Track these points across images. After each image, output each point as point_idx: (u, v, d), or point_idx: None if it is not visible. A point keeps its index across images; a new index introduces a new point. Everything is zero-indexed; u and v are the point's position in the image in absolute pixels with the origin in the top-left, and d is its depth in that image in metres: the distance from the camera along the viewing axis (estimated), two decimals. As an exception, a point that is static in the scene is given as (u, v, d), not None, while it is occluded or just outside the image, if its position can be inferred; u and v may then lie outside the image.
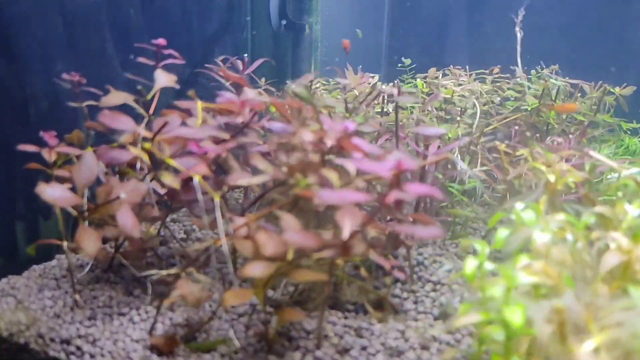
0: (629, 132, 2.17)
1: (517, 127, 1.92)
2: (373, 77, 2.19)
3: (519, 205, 1.11)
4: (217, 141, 1.15)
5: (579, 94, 2.17)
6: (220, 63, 1.67)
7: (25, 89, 1.25)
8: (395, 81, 2.31)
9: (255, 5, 2.45)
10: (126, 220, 0.95)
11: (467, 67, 2.45)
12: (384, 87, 1.53)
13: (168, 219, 1.60)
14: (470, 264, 0.97)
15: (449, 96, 2.11)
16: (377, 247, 1.08)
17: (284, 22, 2.67)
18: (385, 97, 1.93)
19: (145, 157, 1.12)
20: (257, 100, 1.19)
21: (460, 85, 2.24)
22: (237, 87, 1.65)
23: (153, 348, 1.03)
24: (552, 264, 0.93)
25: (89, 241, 0.98)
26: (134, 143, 1.07)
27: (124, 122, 1.04)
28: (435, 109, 2.06)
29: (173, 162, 1.03)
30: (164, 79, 1.17)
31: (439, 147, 1.47)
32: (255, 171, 1.12)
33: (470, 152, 1.81)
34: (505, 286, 0.84)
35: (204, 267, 1.10)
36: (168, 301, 1.04)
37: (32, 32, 1.27)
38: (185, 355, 1.01)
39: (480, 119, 2.00)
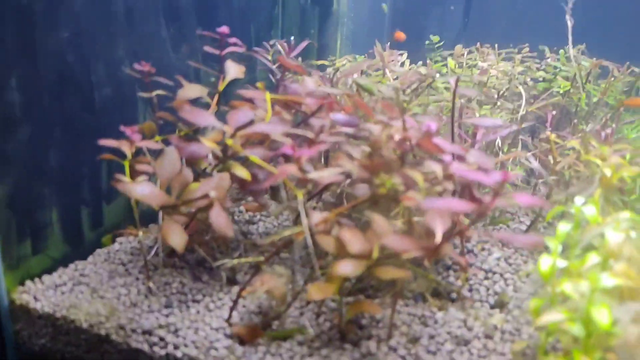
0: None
1: (553, 112, 1.93)
2: (402, 54, 2.18)
3: (578, 200, 1.15)
4: (288, 135, 1.17)
5: (612, 78, 2.18)
6: (268, 45, 1.66)
7: (90, 75, 1.25)
8: (428, 61, 2.30)
9: (284, -22, 2.41)
10: (220, 220, 0.98)
11: (495, 45, 2.43)
12: (437, 74, 1.53)
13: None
14: (545, 262, 1.01)
15: (483, 79, 2.11)
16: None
17: (311, -5, 2.63)
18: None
19: (218, 150, 1.14)
20: (325, 92, 1.20)
21: (490, 65, 2.24)
22: (283, 69, 1.64)
23: (235, 337, 1.07)
24: (625, 263, 0.97)
25: (176, 235, 1.01)
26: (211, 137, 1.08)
27: (204, 118, 1.05)
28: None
29: (257, 160, 1.05)
30: (234, 70, 1.18)
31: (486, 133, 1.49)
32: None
33: (510, 136, 1.83)
34: (589, 286, 0.88)
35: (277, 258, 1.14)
36: (248, 291, 1.07)
37: (96, 19, 1.26)
38: (266, 344, 1.06)
39: (515, 101, 2.01)
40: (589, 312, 0.87)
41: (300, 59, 2.04)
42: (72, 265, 1.31)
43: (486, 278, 1.35)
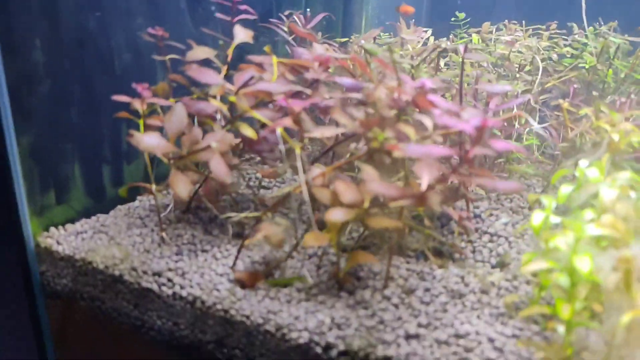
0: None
1: (575, 86, 1.91)
2: (426, 31, 2.19)
3: (582, 163, 1.15)
4: (292, 94, 1.22)
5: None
6: (284, 17, 1.71)
7: (110, 41, 1.33)
8: (451, 36, 2.30)
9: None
10: (219, 167, 1.04)
11: (523, 22, 2.40)
12: (447, 43, 1.54)
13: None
14: (537, 217, 1.03)
15: (505, 52, 2.10)
16: (442, 199, 1.14)
17: (336, -29, 2.65)
18: (440, 54, 1.94)
19: (226, 109, 1.20)
20: (330, 55, 1.24)
21: (514, 39, 2.22)
22: (301, 42, 1.69)
23: (237, 281, 1.14)
24: (618, 218, 0.97)
25: (182, 185, 1.07)
26: (216, 96, 1.14)
27: (210, 76, 1.11)
28: (492, 64, 2.06)
29: (257, 115, 1.10)
30: (242, 34, 1.23)
31: (499, 104, 1.50)
32: (325, 124, 1.18)
33: (528, 109, 1.83)
34: (574, 236, 0.90)
35: (279, 211, 1.20)
36: (250, 240, 1.14)
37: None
38: (266, 289, 1.12)
39: (537, 76, 1.99)
40: (572, 261, 0.89)
41: (320, 33, 2.09)
42: (93, 217, 1.41)
43: (490, 241, 1.37)
